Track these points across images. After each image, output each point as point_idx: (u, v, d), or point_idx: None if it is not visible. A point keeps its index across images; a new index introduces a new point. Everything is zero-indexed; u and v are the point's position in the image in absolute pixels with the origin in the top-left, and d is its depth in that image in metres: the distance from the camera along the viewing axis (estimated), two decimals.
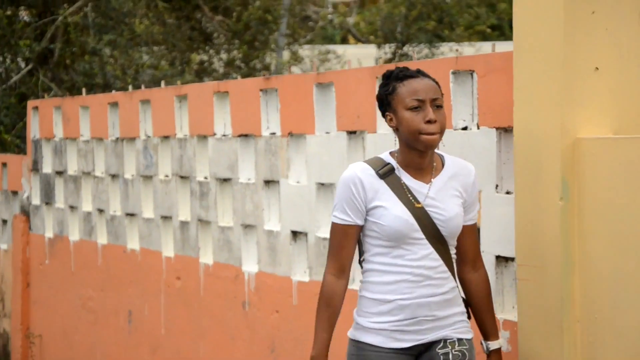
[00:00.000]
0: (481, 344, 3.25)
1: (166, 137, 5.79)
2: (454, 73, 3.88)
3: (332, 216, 3.12)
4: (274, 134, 4.92)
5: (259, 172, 5.02)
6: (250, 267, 5.14)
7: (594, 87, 3.35)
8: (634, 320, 3.20)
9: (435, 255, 3.07)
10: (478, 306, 3.24)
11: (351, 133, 4.43)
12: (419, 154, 3.05)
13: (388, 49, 14.82)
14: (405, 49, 14.50)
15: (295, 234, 4.81)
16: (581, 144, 3.33)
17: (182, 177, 5.66)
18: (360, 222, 3.08)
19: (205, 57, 14.13)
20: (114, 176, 6.39)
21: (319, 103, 4.60)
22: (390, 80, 3.07)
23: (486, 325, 3.25)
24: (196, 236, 5.55)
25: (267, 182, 4.98)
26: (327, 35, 23.67)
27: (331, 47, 17.46)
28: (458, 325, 3.15)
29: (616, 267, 3.24)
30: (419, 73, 3.07)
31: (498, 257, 3.74)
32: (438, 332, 3.10)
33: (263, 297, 5.04)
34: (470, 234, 3.19)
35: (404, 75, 3.05)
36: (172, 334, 5.83)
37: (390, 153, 3.12)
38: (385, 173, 3.05)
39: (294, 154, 4.79)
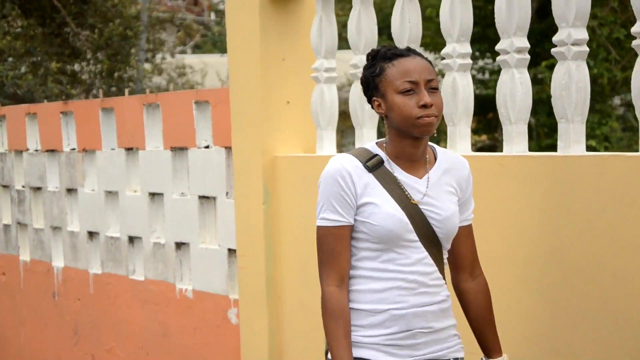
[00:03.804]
0: None
1: None
2: (196, 102, 4.84)
3: (319, 220, 2.64)
4: (73, 149, 5.82)
5: (62, 182, 5.91)
6: (58, 262, 6.03)
7: (287, 117, 4.34)
8: (316, 295, 4.19)
9: (430, 259, 2.63)
10: (478, 319, 2.76)
11: (129, 149, 5.36)
12: (412, 143, 2.61)
13: None
14: None
15: (91, 234, 5.72)
16: (277, 161, 4.32)
17: (4, 186, 6.52)
18: (352, 221, 2.62)
19: (76, 68, 14.93)
20: None
21: (105, 124, 5.51)
22: (377, 61, 2.63)
23: (487, 340, 2.77)
24: (16, 237, 6.41)
25: (69, 190, 5.88)
26: (216, 40, 24.55)
27: (200, 56, 18.34)
28: (452, 342, 2.70)
29: (302, 255, 4.24)
30: (410, 51, 2.64)
31: (230, 250, 4.72)
32: (433, 347, 2.66)
33: (68, 287, 5.93)
34: (467, 236, 2.76)
35: (392, 54, 2.62)
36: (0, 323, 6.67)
37: (377, 143, 2.68)
38: (374, 165, 2.62)
39: (88, 167, 5.70)
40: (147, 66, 14.81)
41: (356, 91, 3.96)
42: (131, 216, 5.35)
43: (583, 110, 3.06)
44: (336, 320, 2.61)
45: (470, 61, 3.45)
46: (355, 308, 2.64)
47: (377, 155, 2.63)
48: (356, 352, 2.61)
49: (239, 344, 4.57)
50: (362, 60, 3.89)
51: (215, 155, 4.74)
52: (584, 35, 3.05)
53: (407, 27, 3.64)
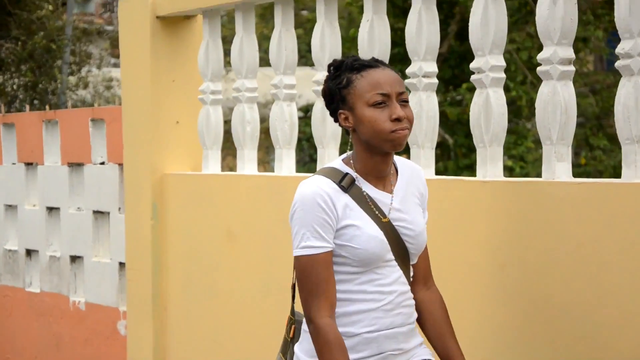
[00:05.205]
0: None
1: None
2: (92, 120, 5.00)
3: (300, 249, 2.46)
4: None
5: None
6: None
7: (176, 136, 4.52)
8: (199, 307, 4.37)
9: (404, 278, 2.54)
10: (437, 330, 2.63)
11: (28, 164, 5.49)
12: (382, 159, 2.50)
13: None
14: None
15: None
16: (166, 178, 4.49)
17: None
18: (333, 245, 2.48)
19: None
20: None
21: (6, 139, 5.64)
22: (342, 72, 2.52)
23: (450, 350, 2.62)
24: None
25: None
26: None
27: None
28: (419, 350, 2.61)
29: (187, 269, 4.41)
30: (377, 62, 2.53)
31: (121, 263, 4.87)
32: None
33: None
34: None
35: (360, 65, 2.50)
36: None
37: (344, 161, 2.55)
38: (348, 185, 2.49)
39: None
40: (73, 79, 14.86)
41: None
42: (29, 230, 5.47)
43: (432, 137, 3.30)
44: (338, 352, 2.43)
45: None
46: None
47: (347, 174, 2.50)
48: None
49: (127, 354, 4.72)
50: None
51: (110, 172, 4.90)
52: (433, 68, 3.29)
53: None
